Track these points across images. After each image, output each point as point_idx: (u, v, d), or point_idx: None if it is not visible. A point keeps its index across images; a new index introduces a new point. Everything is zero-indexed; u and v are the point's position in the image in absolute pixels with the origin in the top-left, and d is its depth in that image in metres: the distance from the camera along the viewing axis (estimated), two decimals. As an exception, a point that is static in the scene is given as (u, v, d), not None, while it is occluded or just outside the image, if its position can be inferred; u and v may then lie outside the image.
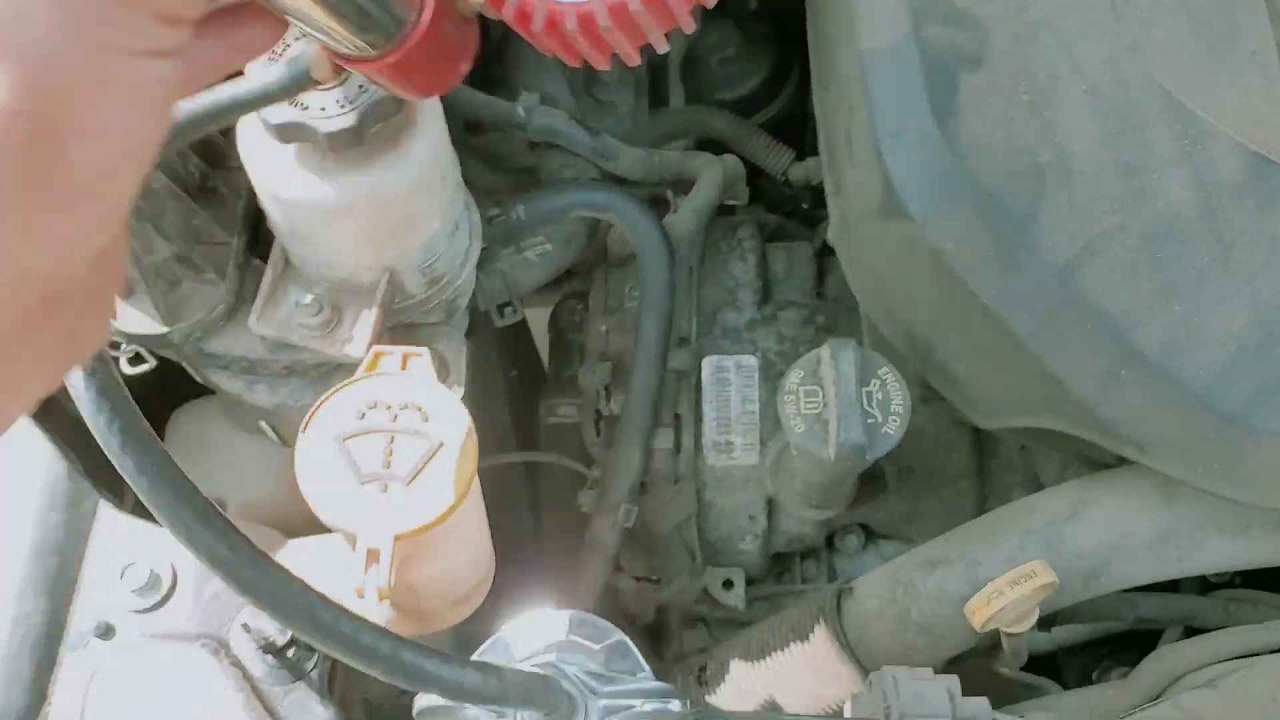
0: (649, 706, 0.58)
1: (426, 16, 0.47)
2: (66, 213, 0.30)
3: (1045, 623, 0.91)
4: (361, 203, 0.71)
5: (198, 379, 0.89)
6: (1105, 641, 1.04)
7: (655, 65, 1.23)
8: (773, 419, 1.01)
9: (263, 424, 0.91)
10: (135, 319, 0.77)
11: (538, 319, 1.24)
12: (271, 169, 0.70)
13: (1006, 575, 0.71)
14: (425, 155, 0.72)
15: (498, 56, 1.14)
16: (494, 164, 1.09)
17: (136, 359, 0.83)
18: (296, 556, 0.77)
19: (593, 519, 0.95)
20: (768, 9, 1.21)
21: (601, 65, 0.57)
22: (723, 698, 0.93)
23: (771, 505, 1.01)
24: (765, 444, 1.00)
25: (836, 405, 0.77)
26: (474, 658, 0.64)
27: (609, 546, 0.94)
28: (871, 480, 1.03)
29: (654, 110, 1.15)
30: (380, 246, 0.76)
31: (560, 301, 1.20)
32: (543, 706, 0.54)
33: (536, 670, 0.58)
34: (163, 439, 0.85)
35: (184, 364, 0.87)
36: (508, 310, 0.96)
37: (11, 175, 0.28)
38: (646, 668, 0.62)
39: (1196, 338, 0.68)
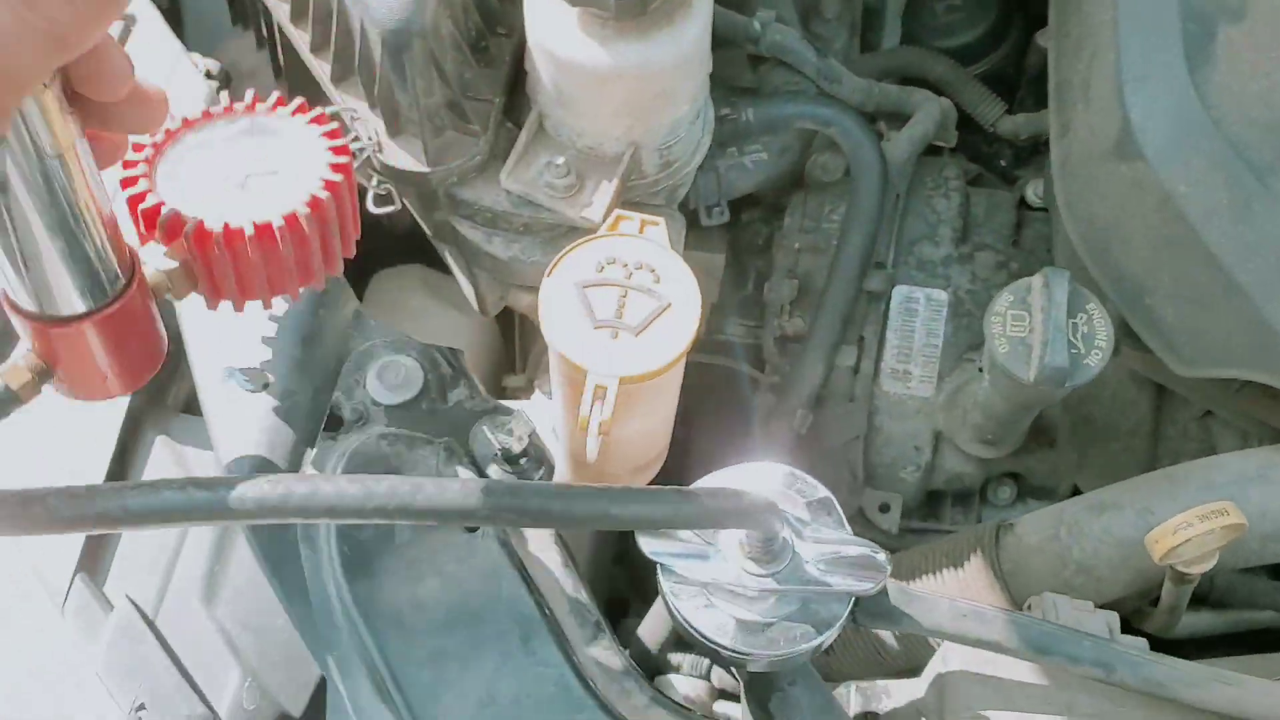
0: (855, 549, 0.62)
1: (133, 288, 0.51)
2: None
3: (1198, 599, 0.92)
4: (630, 71, 0.76)
5: (428, 231, 0.96)
6: (1235, 640, 1.04)
7: (870, 8, 1.26)
8: (953, 355, 1.04)
9: (464, 284, 0.98)
10: (401, 157, 0.84)
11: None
12: (556, 29, 0.76)
13: (1195, 509, 0.73)
14: (694, 36, 0.77)
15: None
16: (715, 82, 1.13)
17: (385, 199, 0.90)
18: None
19: (769, 421, 1.00)
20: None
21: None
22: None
23: (938, 440, 1.05)
24: (943, 378, 1.03)
25: (1043, 330, 0.80)
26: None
27: (782, 448, 0.99)
28: (1038, 432, 1.05)
29: (870, 50, 1.18)
30: (633, 119, 0.81)
31: (743, 225, 1.24)
32: (749, 524, 0.59)
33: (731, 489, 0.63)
34: (361, 299, 0.90)
35: (419, 216, 0.94)
36: (715, 211, 1.00)
37: None
38: (846, 525, 0.67)
39: None
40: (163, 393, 0.77)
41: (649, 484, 0.99)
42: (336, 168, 0.57)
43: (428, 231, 0.96)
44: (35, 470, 0.71)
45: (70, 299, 0.49)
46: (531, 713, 0.61)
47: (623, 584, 1.26)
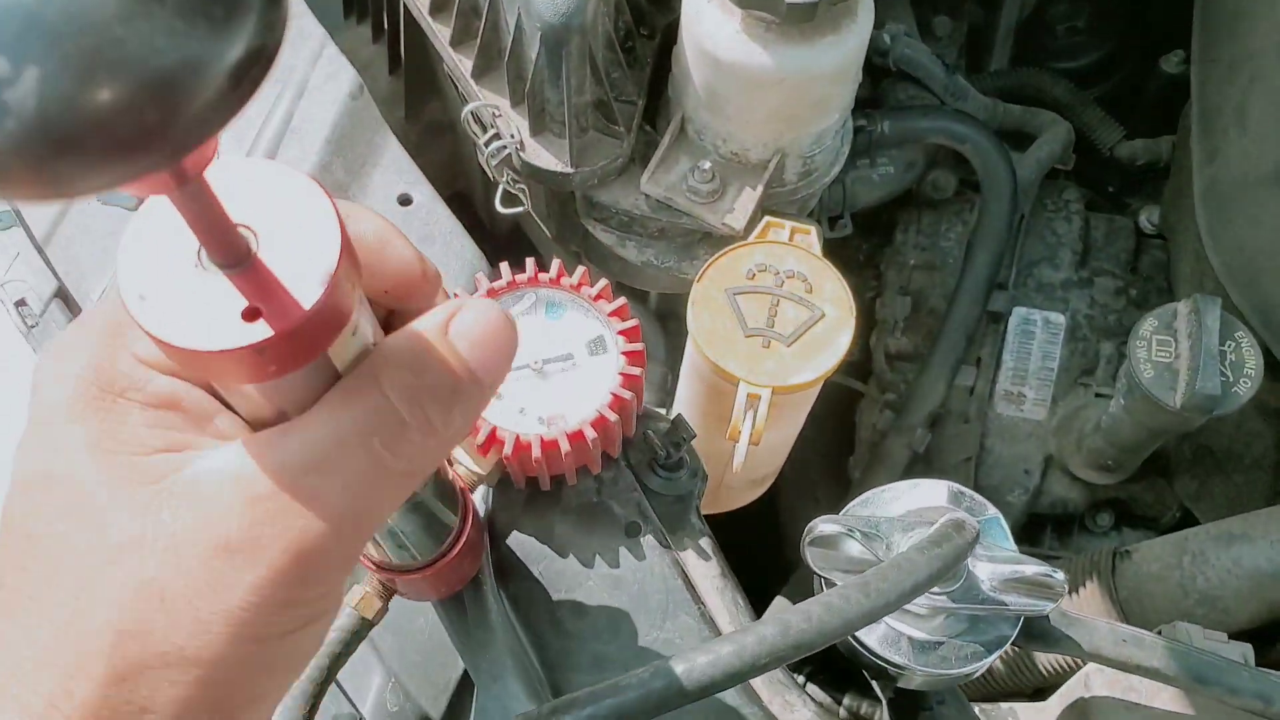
0: (1031, 569, 0.61)
1: (467, 527, 0.53)
2: None
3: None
4: (792, 76, 0.75)
5: (548, 232, 0.95)
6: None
7: (976, 28, 1.25)
8: (1068, 380, 1.03)
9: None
10: (544, 156, 0.83)
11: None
12: (719, 31, 0.75)
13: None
14: (856, 45, 0.76)
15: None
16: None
17: (513, 199, 0.89)
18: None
19: (888, 437, 0.98)
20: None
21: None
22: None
23: (1048, 464, 1.03)
24: (1056, 402, 1.01)
25: (1191, 356, 0.79)
26: (845, 509, 0.68)
27: (898, 465, 0.97)
28: (1151, 461, 1.03)
29: (985, 71, 1.17)
30: (785, 125, 0.80)
31: (841, 240, 1.23)
32: (964, 557, 0.57)
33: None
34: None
35: (543, 217, 0.93)
36: (839, 223, 0.99)
37: None
38: (1013, 544, 0.65)
39: None
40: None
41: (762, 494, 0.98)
42: (628, 380, 0.58)
43: (548, 233, 0.95)
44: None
45: (414, 556, 0.52)
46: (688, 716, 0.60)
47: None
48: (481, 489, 0.63)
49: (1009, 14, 1.22)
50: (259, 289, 0.29)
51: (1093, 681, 0.74)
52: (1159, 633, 0.79)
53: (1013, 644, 0.66)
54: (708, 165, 0.82)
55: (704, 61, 0.77)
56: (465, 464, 0.59)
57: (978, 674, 0.64)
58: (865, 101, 1.04)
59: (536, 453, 0.57)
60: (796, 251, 0.76)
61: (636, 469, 0.69)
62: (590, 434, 0.57)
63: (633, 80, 0.84)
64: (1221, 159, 0.85)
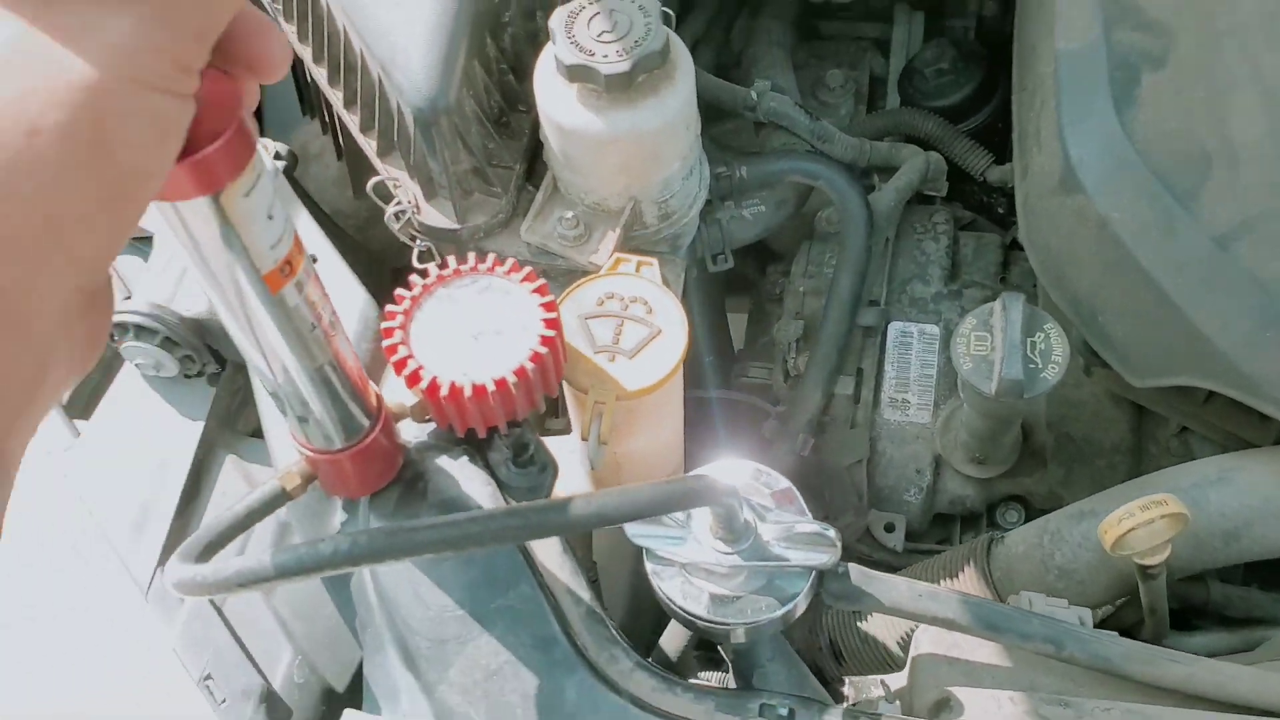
0: (808, 527, 0.72)
1: (378, 428, 0.69)
2: (112, 212, 0.36)
3: (1194, 579, 0.98)
4: (624, 136, 0.89)
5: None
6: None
7: (875, 77, 1.38)
8: (948, 384, 1.13)
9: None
10: (436, 217, 0.98)
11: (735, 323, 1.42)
12: (559, 102, 0.89)
13: (1137, 500, 0.80)
14: (678, 104, 0.90)
15: (737, 59, 1.32)
16: (724, 148, 1.26)
17: (426, 255, 1.04)
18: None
19: (773, 444, 1.10)
20: (982, 35, 1.34)
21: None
22: (870, 625, 1.05)
23: (938, 464, 1.13)
24: (938, 406, 1.12)
25: (1001, 348, 0.89)
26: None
27: (785, 470, 1.08)
28: (1033, 455, 1.12)
29: (875, 112, 1.30)
30: (631, 176, 0.93)
31: (764, 276, 1.35)
32: (701, 501, 0.68)
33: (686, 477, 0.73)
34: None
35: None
36: (720, 258, 1.12)
37: (76, 174, 0.34)
38: (808, 512, 0.76)
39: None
40: (233, 418, 0.91)
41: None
42: (545, 340, 0.72)
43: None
44: (117, 481, 0.85)
45: (332, 439, 0.67)
46: (526, 674, 0.71)
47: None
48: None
49: (895, 62, 1.35)
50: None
51: (920, 642, 0.83)
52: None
53: (816, 599, 0.77)
54: (571, 214, 0.95)
55: (553, 128, 0.92)
56: (398, 393, 0.74)
57: (780, 624, 0.74)
58: (741, 150, 1.18)
59: (469, 392, 0.70)
60: (640, 281, 0.89)
61: (493, 467, 0.82)
62: (512, 379, 0.71)
63: (510, 149, 0.99)
64: (1030, 175, 0.96)
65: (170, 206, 0.49)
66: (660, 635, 1.33)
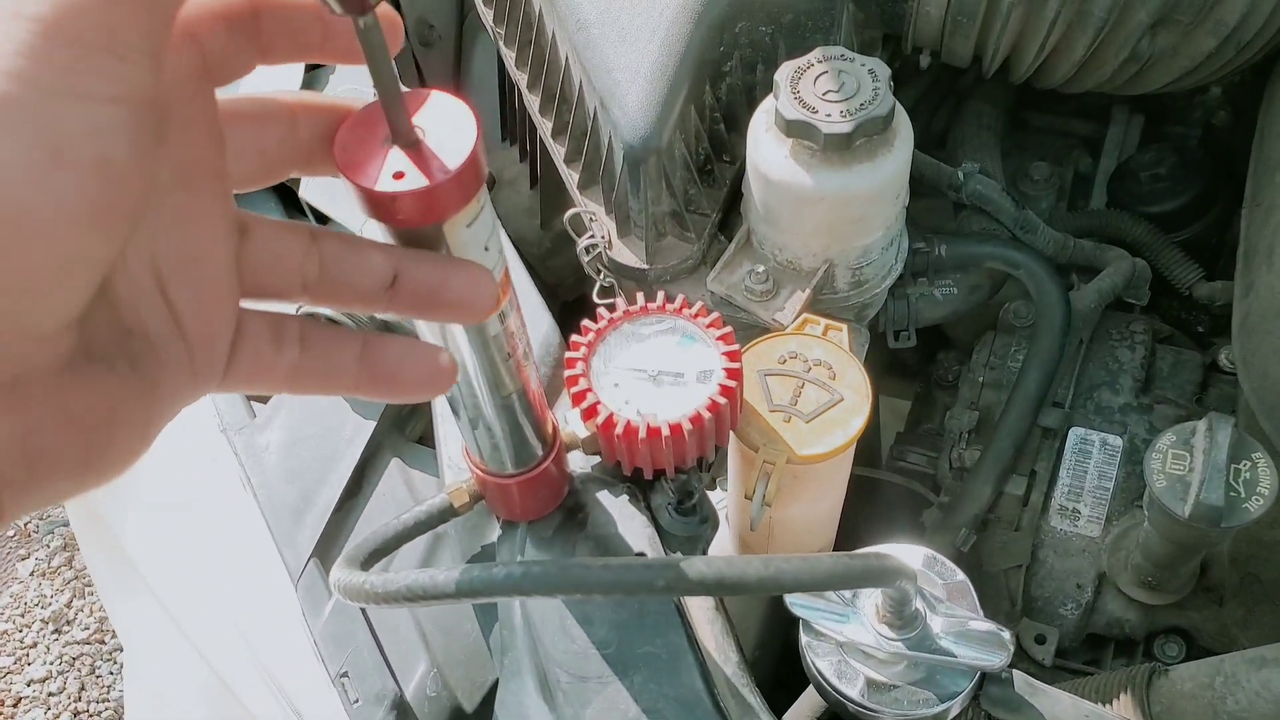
0: (981, 625, 0.68)
1: (550, 458, 0.70)
2: None
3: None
4: (831, 196, 0.88)
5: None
6: None
7: (1080, 175, 1.33)
8: (1123, 500, 1.07)
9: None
10: (626, 254, 0.98)
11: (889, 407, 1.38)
12: (771, 155, 0.89)
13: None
14: (891, 172, 0.88)
15: (944, 133, 1.29)
16: (919, 226, 1.24)
17: (607, 291, 1.04)
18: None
19: (932, 535, 1.05)
20: (1208, 142, 1.28)
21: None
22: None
23: (1101, 581, 1.06)
24: (1111, 521, 1.05)
25: (1201, 470, 0.83)
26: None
27: (942, 563, 1.03)
28: (1207, 590, 1.05)
29: (1073, 210, 1.26)
30: (830, 238, 0.92)
31: (938, 363, 1.31)
32: (880, 582, 0.65)
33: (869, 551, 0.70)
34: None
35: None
36: (903, 335, 1.09)
37: None
38: (980, 610, 0.72)
39: None
40: (403, 423, 0.92)
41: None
42: (725, 390, 0.72)
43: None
44: (284, 467, 0.87)
45: (505, 464, 0.69)
46: (666, 727, 0.69)
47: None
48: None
49: (1107, 160, 1.31)
50: (421, 162, 0.45)
51: (1076, 764, 0.78)
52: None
53: (979, 706, 0.73)
54: (762, 269, 0.94)
55: (759, 180, 0.91)
56: (569, 425, 0.76)
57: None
58: (938, 230, 1.15)
59: (643, 433, 0.70)
60: (827, 344, 0.87)
61: (654, 511, 0.81)
62: (688, 426, 0.71)
63: (709, 197, 0.99)
64: (1254, 293, 0.91)
65: (399, 232, 0.50)
66: (777, 683, 1.29)
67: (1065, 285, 1.07)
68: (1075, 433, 1.08)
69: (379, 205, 0.48)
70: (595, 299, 1.05)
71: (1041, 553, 1.07)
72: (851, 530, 1.10)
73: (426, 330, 0.57)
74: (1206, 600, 1.04)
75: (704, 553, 0.80)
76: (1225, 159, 1.20)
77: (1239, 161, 1.17)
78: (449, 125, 0.49)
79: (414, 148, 0.47)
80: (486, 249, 0.53)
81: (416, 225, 0.49)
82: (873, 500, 1.30)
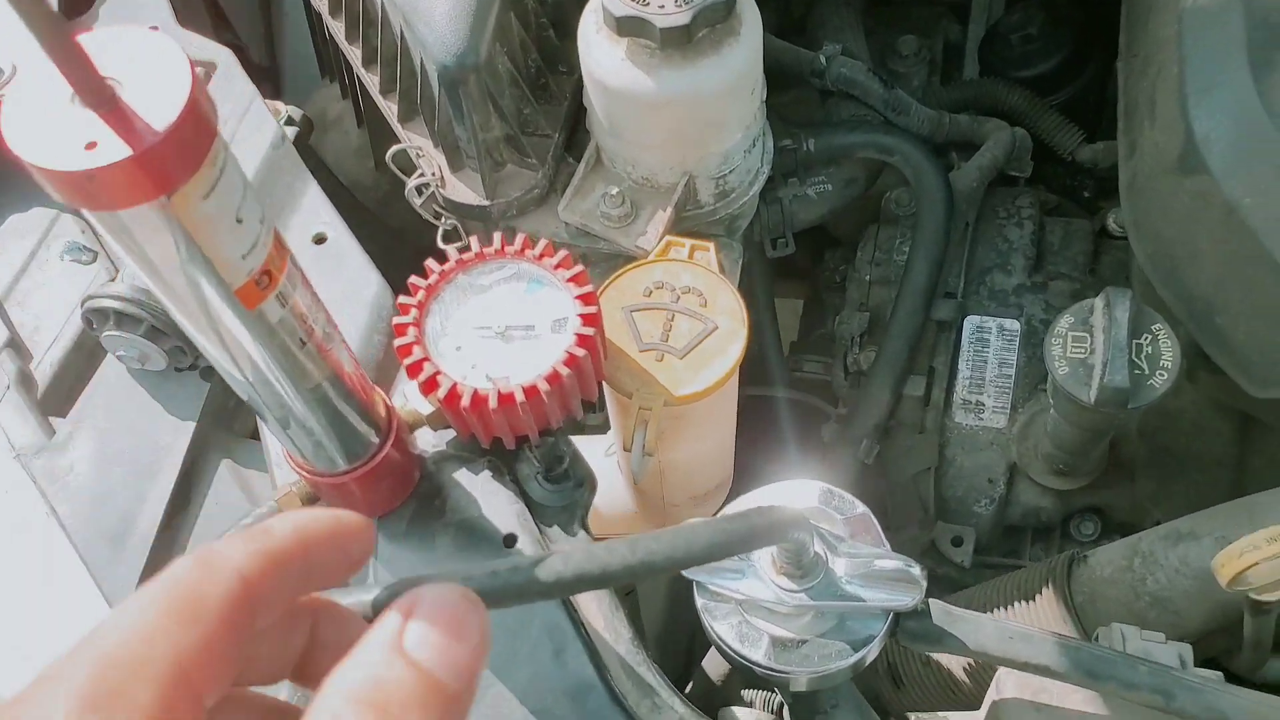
0: (889, 563, 0.61)
1: (389, 444, 0.60)
2: None
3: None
4: (678, 99, 0.78)
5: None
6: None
7: (950, 44, 1.25)
8: (1027, 385, 1.01)
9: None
10: (462, 191, 0.87)
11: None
12: (605, 59, 0.78)
13: (1263, 531, 0.69)
14: (742, 64, 0.78)
15: (804, 16, 1.20)
16: (786, 121, 1.15)
17: (451, 234, 0.94)
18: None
19: (833, 449, 0.99)
20: (1074, -4, 1.22)
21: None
22: (935, 648, 0.94)
23: (1013, 473, 1.02)
24: (1016, 410, 1.00)
25: (1104, 350, 0.78)
26: (721, 511, 0.69)
27: (845, 478, 0.97)
28: (1118, 466, 1.01)
29: (946, 83, 1.18)
30: (685, 147, 0.82)
31: (821, 262, 1.24)
32: (770, 540, 0.57)
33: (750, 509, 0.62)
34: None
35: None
36: (780, 243, 1.01)
37: None
38: (886, 543, 0.65)
39: None
40: (230, 418, 0.81)
41: (713, 513, 0.99)
42: (583, 339, 0.62)
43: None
44: (95, 488, 0.75)
45: (335, 461, 0.59)
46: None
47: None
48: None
49: (975, 27, 1.23)
50: (120, 124, 0.35)
51: (1004, 684, 0.73)
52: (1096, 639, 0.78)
53: (898, 643, 0.66)
54: (616, 190, 0.85)
55: (598, 89, 0.81)
56: (410, 401, 0.66)
57: (850, 673, 0.64)
58: (806, 122, 1.06)
59: (494, 403, 0.61)
60: (694, 268, 0.78)
61: (522, 482, 0.72)
62: (544, 387, 0.61)
63: (548, 115, 0.88)
64: (1139, 153, 0.84)
65: (111, 217, 0.39)
66: (696, 643, 1.24)
67: (944, 166, 0.99)
68: (970, 321, 1.02)
69: (73, 188, 0.37)
70: (440, 244, 0.95)
71: (949, 451, 1.02)
72: (750, 454, 1.03)
73: (184, 319, 0.47)
74: (1118, 476, 1.01)
75: (583, 519, 0.72)
76: (1096, 11, 1.13)
77: (1110, 12, 1.11)
78: (153, 72, 0.38)
79: (109, 107, 0.36)
80: (239, 220, 0.43)
81: (129, 207, 0.38)
82: (769, 419, 1.23)
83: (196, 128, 0.38)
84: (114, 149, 0.36)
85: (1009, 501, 1.02)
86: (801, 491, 0.68)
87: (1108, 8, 1.06)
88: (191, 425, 0.77)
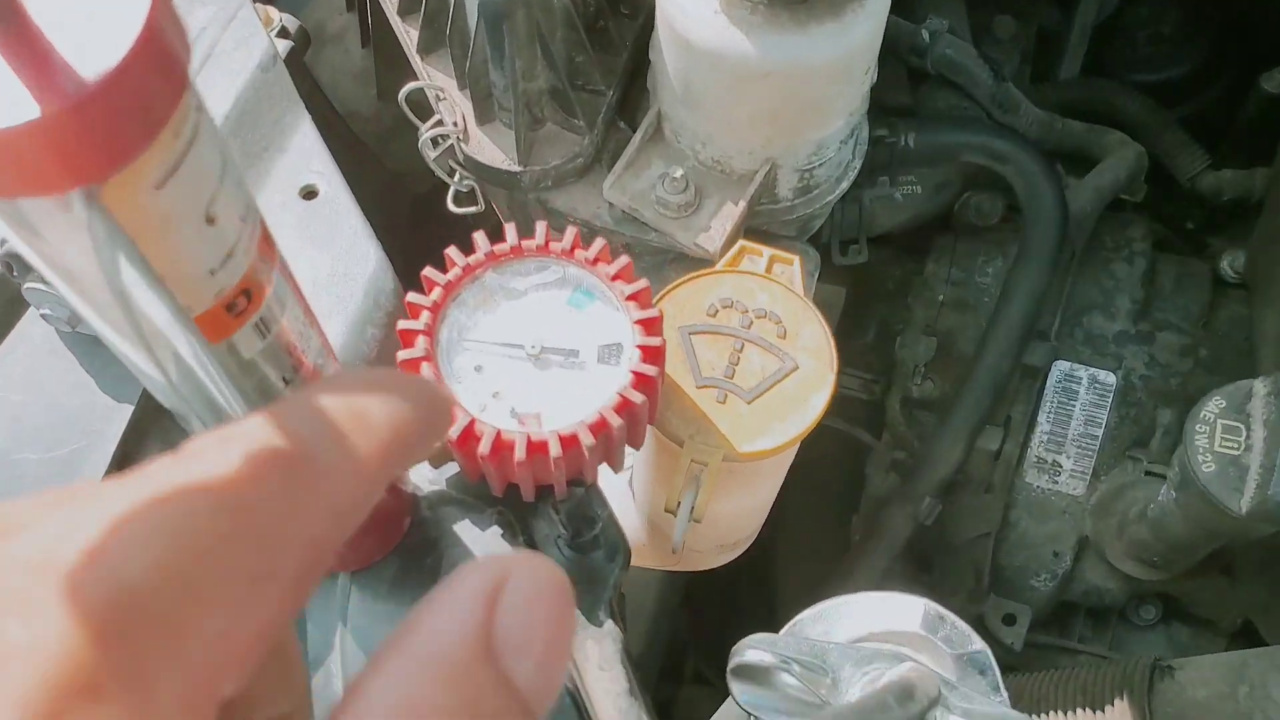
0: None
1: None
2: None
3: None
4: (781, 71, 0.61)
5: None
6: None
7: (1045, 32, 1.08)
8: (1114, 450, 0.87)
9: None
10: (489, 150, 0.70)
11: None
12: (693, 8, 0.61)
13: None
14: (864, 36, 0.62)
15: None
16: (882, 107, 0.98)
17: (466, 198, 0.76)
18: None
19: (891, 504, 0.84)
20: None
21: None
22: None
23: (1082, 548, 0.87)
24: (1098, 476, 0.86)
25: (1265, 452, 0.63)
26: (795, 621, 0.54)
27: (899, 539, 0.83)
28: (1212, 555, 0.87)
29: (1052, 80, 1.01)
30: (776, 129, 0.66)
31: (870, 264, 1.08)
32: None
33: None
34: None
35: (504, 218, 0.80)
36: (852, 249, 0.85)
37: None
38: (1004, 691, 0.51)
39: None
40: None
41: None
42: (641, 379, 0.48)
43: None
44: (8, 475, 0.59)
45: None
46: None
47: (683, 626, 1.12)
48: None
49: (1085, 16, 1.05)
50: (23, 57, 0.20)
51: None
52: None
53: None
54: (680, 173, 0.68)
55: (677, 46, 0.64)
56: None
57: None
58: (895, 109, 0.89)
59: (520, 454, 0.46)
60: (773, 286, 0.62)
61: (539, 545, 0.56)
62: (588, 441, 0.46)
63: (602, 67, 0.71)
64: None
65: (8, 205, 0.23)
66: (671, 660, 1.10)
67: (1061, 185, 0.83)
68: (1059, 367, 0.87)
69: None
70: (451, 207, 0.77)
71: (1014, 514, 0.87)
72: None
73: (112, 338, 0.30)
74: (1207, 566, 0.87)
75: (610, 603, 0.56)
76: (1240, 12, 0.96)
77: (1257, 16, 0.94)
78: None
79: (3, 20, 0.21)
80: (210, 220, 0.26)
81: (32, 197, 0.22)
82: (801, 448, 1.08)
83: (154, 73, 0.22)
84: (11, 105, 0.20)
85: (1071, 578, 0.88)
86: (904, 611, 0.53)
87: (1257, 10, 0.90)
88: (129, 409, 0.60)
